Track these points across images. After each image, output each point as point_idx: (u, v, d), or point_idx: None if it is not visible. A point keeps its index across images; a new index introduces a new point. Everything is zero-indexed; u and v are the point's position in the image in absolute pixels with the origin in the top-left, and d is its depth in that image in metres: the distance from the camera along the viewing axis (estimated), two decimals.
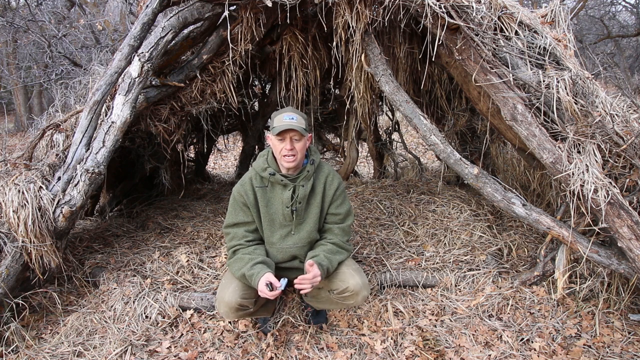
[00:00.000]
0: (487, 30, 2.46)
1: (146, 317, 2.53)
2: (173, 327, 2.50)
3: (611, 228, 2.28)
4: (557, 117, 2.37)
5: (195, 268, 2.94)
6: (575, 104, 2.31)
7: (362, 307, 2.59)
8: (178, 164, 4.19)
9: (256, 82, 4.57)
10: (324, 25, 2.81)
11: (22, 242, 2.39)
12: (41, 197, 2.45)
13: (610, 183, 2.23)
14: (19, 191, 2.41)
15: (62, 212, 2.48)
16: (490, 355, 2.24)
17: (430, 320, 2.51)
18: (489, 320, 2.48)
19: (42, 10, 7.48)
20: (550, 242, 2.68)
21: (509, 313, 2.52)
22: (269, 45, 3.43)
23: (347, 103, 3.60)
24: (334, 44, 3.04)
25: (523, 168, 3.81)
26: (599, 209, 2.25)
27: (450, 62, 2.88)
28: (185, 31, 3.01)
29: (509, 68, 2.48)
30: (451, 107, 3.94)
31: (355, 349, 2.32)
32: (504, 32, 2.52)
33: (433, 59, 2.81)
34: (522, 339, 2.34)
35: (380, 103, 4.57)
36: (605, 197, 2.21)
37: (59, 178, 2.57)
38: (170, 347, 2.35)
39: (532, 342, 2.31)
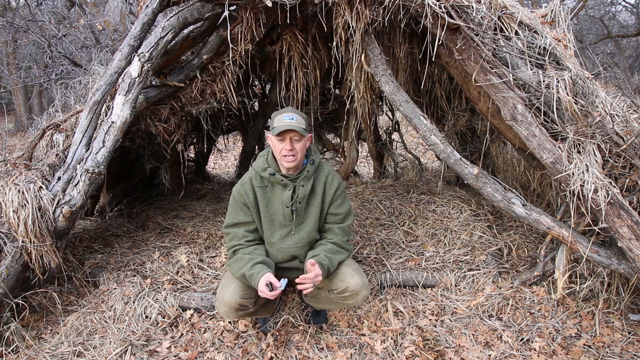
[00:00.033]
0: (487, 30, 2.46)
1: (146, 317, 2.53)
2: (173, 327, 2.50)
3: (611, 228, 2.28)
4: (557, 117, 2.37)
5: (195, 268, 2.94)
6: (575, 104, 2.31)
7: (362, 307, 2.59)
8: (178, 164, 4.19)
9: (256, 82, 4.57)
10: (324, 25, 2.81)
11: (22, 242, 2.39)
12: (41, 197, 2.45)
13: (610, 183, 2.23)
14: (19, 191, 2.41)
15: (62, 212, 2.48)
16: (490, 355, 2.24)
17: (430, 320, 2.51)
18: (489, 320, 2.48)
19: (42, 10, 7.48)
20: (550, 242, 2.68)
21: (509, 313, 2.52)
22: (269, 45, 3.43)
23: (347, 103, 3.60)
24: (334, 44, 3.04)
25: (523, 168, 3.82)
26: (599, 209, 2.25)
27: (450, 62, 2.88)
28: (185, 31, 3.01)
29: (509, 68, 2.48)
30: (451, 107, 3.94)
31: (355, 349, 2.32)
32: (504, 32, 2.52)
33: (433, 59, 2.81)
34: (522, 339, 2.34)
35: (380, 103, 4.57)
36: (605, 197, 2.21)
37: (59, 178, 2.57)
38: (170, 347, 2.35)
39: (532, 342, 2.31)
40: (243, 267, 2.11)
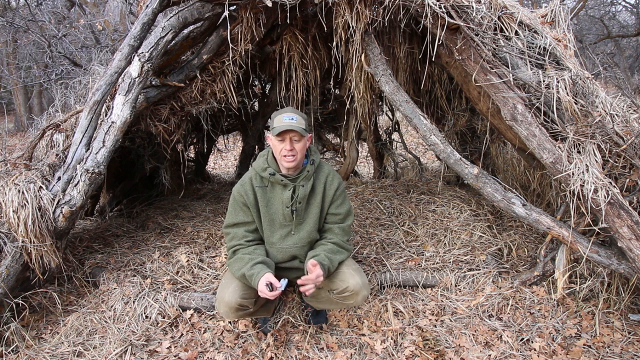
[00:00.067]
0: (487, 30, 2.46)
1: (146, 317, 2.53)
2: (173, 327, 2.50)
3: (611, 228, 2.28)
4: (557, 117, 2.37)
5: (195, 268, 2.94)
6: (575, 104, 2.31)
7: (362, 307, 2.59)
8: (178, 164, 4.19)
9: (256, 82, 4.57)
10: (324, 25, 2.81)
11: (22, 242, 2.39)
12: (41, 197, 2.45)
13: (610, 183, 2.23)
14: (19, 191, 2.41)
15: (62, 212, 2.48)
16: (490, 355, 2.24)
17: (430, 320, 2.51)
18: (489, 320, 2.48)
19: (42, 10, 7.48)
20: (550, 242, 2.68)
21: (509, 313, 2.52)
22: (269, 45, 3.43)
23: (347, 103, 3.60)
24: (334, 44, 3.04)
25: (523, 168, 3.81)
26: (599, 209, 2.25)
27: (450, 62, 2.88)
28: (185, 31, 3.01)
29: (509, 68, 2.48)
30: (451, 107, 3.94)
31: (355, 349, 2.32)
32: (504, 32, 2.52)
33: (433, 59, 2.81)
34: (522, 339, 2.34)
35: (380, 103, 4.57)
36: (605, 197, 2.21)
37: (59, 178, 2.57)
38: (170, 347, 2.35)
39: (532, 342, 2.31)
40: (243, 267, 2.11)
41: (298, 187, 2.22)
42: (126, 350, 2.30)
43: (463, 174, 2.59)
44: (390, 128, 4.83)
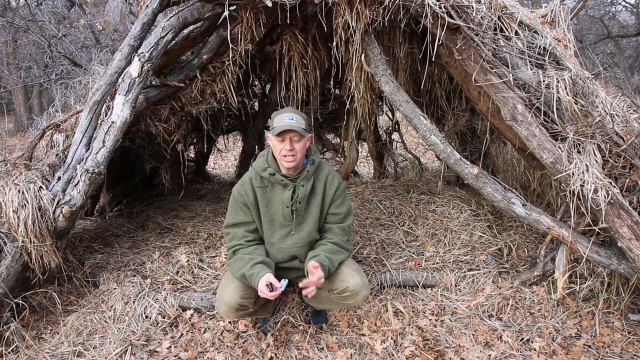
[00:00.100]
0: (487, 30, 2.46)
1: (146, 317, 2.53)
2: (173, 327, 2.50)
3: (611, 228, 2.28)
4: (557, 117, 2.37)
5: (195, 268, 2.94)
6: (575, 104, 2.31)
7: (362, 307, 2.59)
8: (178, 164, 4.19)
9: (256, 82, 4.57)
10: (324, 25, 2.81)
11: (22, 242, 2.39)
12: (41, 197, 2.45)
13: (610, 183, 2.23)
14: (19, 191, 2.41)
15: (62, 212, 2.48)
16: (490, 355, 2.24)
17: (430, 320, 2.51)
18: (489, 320, 2.48)
19: (42, 10, 7.48)
20: (550, 242, 2.68)
21: (509, 313, 2.52)
22: (269, 45, 3.43)
23: (347, 103, 3.60)
24: (334, 44, 3.04)
25: (523, 168, 3.81)
26: (599, 209, 2.25)
27: (450, 62, 2.88)
28: (185, 31, 3.01)
29: (509, 68, 2.48)
30: (451, 107, 3.94)
31: (355, 349, 2.32)
32: (504, 32, 2.52)
33: (433, 59, 2.81)
34: (522, 339, 2.34)
35: (380, 103, 4.57)
36: (605, 197, 2.21)
37: (59, 178, 2.57)
38: (170, 347, 2.35)
39: (532, 342, 2.31)
40: (243, 267, 2.11)
41: (298, 187, 2.22)
42: (126, 350, 2.30)
43: (463, 174, 2.59)
44: (390, 128, 4.83)
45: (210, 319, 2.54)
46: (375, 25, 2.77)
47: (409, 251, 3.11)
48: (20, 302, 2.49)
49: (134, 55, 2.64)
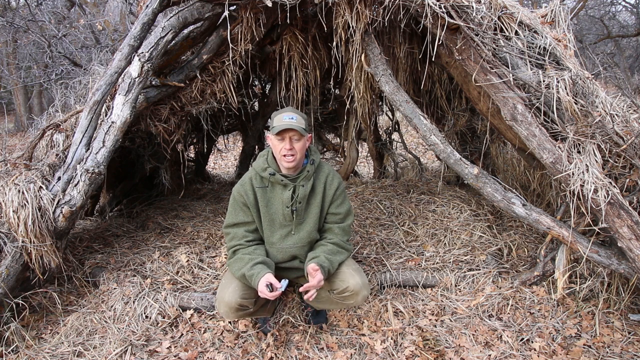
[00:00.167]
0: (487, 30, 2.46)
1: (146, 317, 2.53)
2: (173, 327, 2.50)
3: (611, 228, 2.28)
4: (557, 117, 2.37)
5: (195, 268, 2.94)
6: (575, 104, 2.31)
7: (362, 307, 2.59)
8: (178, 164, 4.19)
9: (256, 82, 4.57)
10: (324, 25, 2.80)
11: (22, 242, 2.39)
12: (41, 197, 2.45)
13: (610, 183, 2.23)
14: (19, 191, 2.41)
15: (62, 212, 2.48)
16: (490, 355, 2.24)
17: (430, 320, 2.51)
18: (489, 320, 2.48)
19: (42, 10, 7.48)
20: (550, 242, 2.68)
21: (509, 313, 2.52)
22: (269, 45, 3.43)
23: (347, 103, 3.60)
24: (334, 44, 3.04)
25: (523, 168, 3.81)
26: (599, 209, 2.25)
27: (450, 62, 2.88)
28: (185, 31, 3.01)
29: (509, 68, 2.48)
30: (451, 107, 3.94)
31: (355, 349, 2.32)
32: (504, 32, 2.52)
33: (433, 59, 2.81)
34: (522, 339, 2.34)
35: (380, 103, 4.57)
36: (605, 197, 2.21)
37: (59, 178, 2.57)
38: (170, 347, 2.35)
39: (532, 342, 2.31)
40: (243, 267, 2.11)
41: (298, 187, 2.22)
42: (126, 350, 2.30)
43: (463, 174, 2.59)
44: (390, 128, 4.83)
45: (210, 319, 2.54)
46: (375, 25, 2.77)
47: (409, 251, 3.11)
48: (20, 302, 2.49)
49: (134, 55, 2.64)
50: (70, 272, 2.87)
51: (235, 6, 2.92)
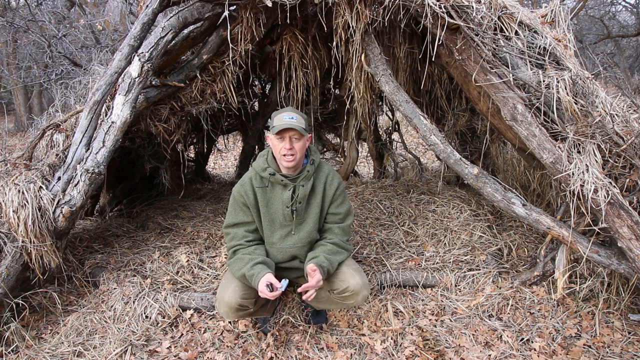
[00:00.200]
0: (487, 30, 2.46)
1: (146, 317, 2.53)
2: (173, 327, 2.50)
3: (611, 228, 2.28)
4: (557, 117, 2.37)
5: (195, 268, 2.94)
6: (575, 104, 2.31)
7: (362, 307, 2.59)
8: (178, 164, 4.19)
9: (256, 82, 4.57)
10: (324, 25, 2.80)
11: (22, 242, 2.39)
12: (41, 197, 2.45)
13: (610, 183, 2.23)
14: (19, 191, 2.41)
15: (62, 212, 2.48)
16: (490, 355, 2.24)
17: (430, 320, 2.51)
18: (489, 320, 2.48)
19: (42, 10, 7.48)
20: (550, 242, 2.68)
21: (509, 313, 2.52)
22: (269, 45, 3.43)
23: (347, 103, 3.60)
24: (334, 44, 3.04)
25: (523, 168, 3.81)
26: (599, 209, 2.25)
27: (450, 62, 2.88)
28: (185, 31, 3.01)
29: (509, 68, 2.48)
30: (451, 107, 3.94)
31: (355, 349, 2.32)
32: (504, 32, 2.52)
33: (433, 59, 2.81)
34: (522, 339, 2.34)
35: (380, 103, 4.57)
36: (605, 197, 2.21)
37: (59, 178, 2.57)
38: (170, 347, 2.35)
39: (532, 342, 2.31)
40: (243, 267, 2.11)
41: (298, 187, 2.22)
42: (126, 350, 2.30)
43: (463, 174, 2.59)
44: (390, 128, 4.83)
45: (210, 319, 2.54)
46: (375, 25, 2.77)
47: (409, 251, 3.11)
48: (20, 302, 2.49)
49: (134, 55, 2.64)
50: (70, 272, 2.87)
51: (235, 6, 2.92)
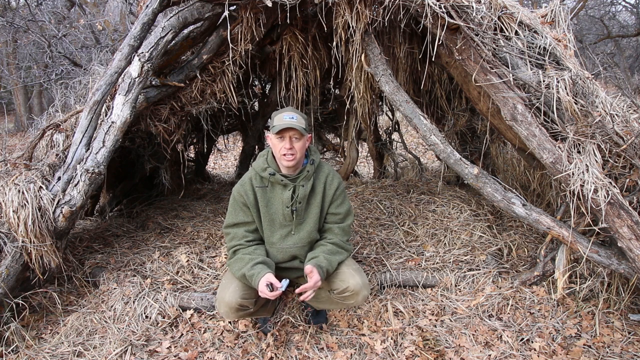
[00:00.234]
0: (487, 30, 2.46)
1: (146, 317, 2.53)
2: (173, 327, 2.50)
3: (611, 228, 2.28)
4: (557, 117, 2.37)
5: (195, 268, 2.94)
6: (575, 104, 2.31)
7: (362, 307, 2.59)
8: (178, 164, 4.19)
9: (256, 82, 4.57)
10: (324, 25, 2.81)
11: (22, 242, 2.39)
12: (41, 197, 2.45)
13: (610, 183, 2.23)
14: (19, 191, 2.41)
15: (62, 212, 2.48)
16: (490, 355, 2.24)
17: (430, 320, 2.51)
18: (489, 320, 2.48)
19: (42, 10, 7.48)
20: (550, 242, 2.68)
21: (509, 313, 2.52)
22: (269, 45, 3.43)
23: (347, 103, 3.60)
24: (334, 44, 3.04)
25: (523, 168, 3.82)
26: (599, 209, 2.25)
27: (450, 62, 2.88)
28: (185, 31, 3.01)
29: (509, 68, 2.48)
30: (451, 107, 3.94)
31: (355, 349, 2.32)
32: (504, 32, 2.52)
33: (433, 59, 2.81)
34: (522, 339, 2.34)
35: (380, 103, 4.57)
36: (605, 197, 2.21)
37: (59, 178, 2.57)
38: (170, 347, 2.35)
39: (532, 342, 2.31)
40: (243, 267, 2.11)
41: (298, 187, 2.22)
42: (126, 350, 2.30)
43: (463, 174, 2.59)
44: (390, 128, 4.83)
45: (210, 319, 2.54)
46: (375, 25, 2.77)
47: (409, 251, 3.11)
48: (20, 302, 2.49)
49: (134, 55, 2.64)
50: (70, 272, 2.87)
51: (235, 6, 2.92)
